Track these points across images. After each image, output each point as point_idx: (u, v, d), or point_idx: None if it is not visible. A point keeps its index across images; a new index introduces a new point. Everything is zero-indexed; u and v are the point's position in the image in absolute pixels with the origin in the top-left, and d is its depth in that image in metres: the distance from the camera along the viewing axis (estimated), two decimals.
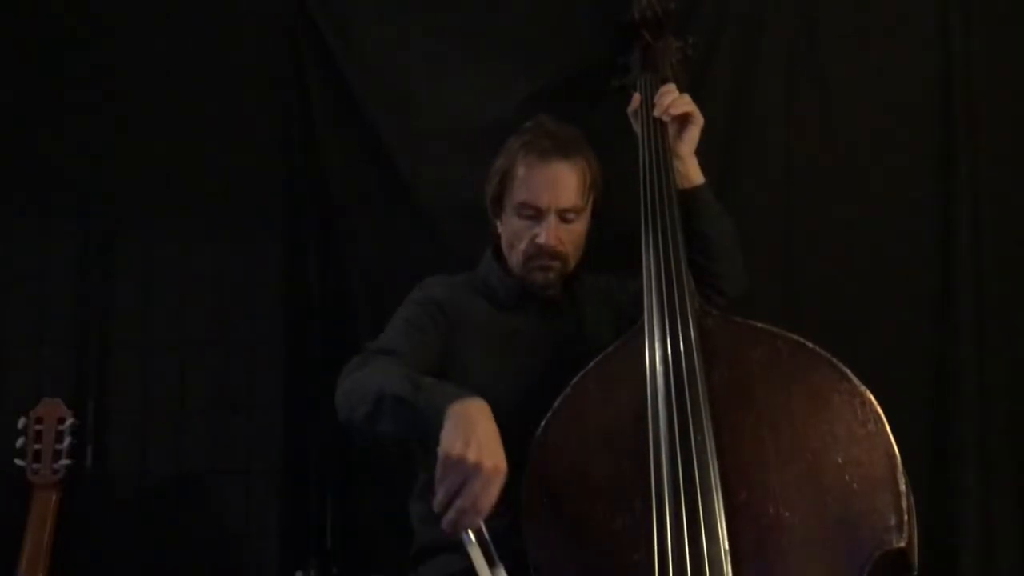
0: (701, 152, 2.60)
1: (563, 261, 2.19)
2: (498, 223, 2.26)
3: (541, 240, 2.15)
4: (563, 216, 2.16)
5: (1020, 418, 2.52)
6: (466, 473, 1.67)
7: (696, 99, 2.60)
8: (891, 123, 2.62)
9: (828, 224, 2.61)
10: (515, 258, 2.21)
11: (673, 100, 2.21)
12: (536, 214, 2.16)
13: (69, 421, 2.38)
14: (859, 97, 2.62)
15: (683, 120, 2.23)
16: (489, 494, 1.68)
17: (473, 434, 1.69)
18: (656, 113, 2.21)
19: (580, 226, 2.21)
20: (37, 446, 2.35)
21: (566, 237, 2.18)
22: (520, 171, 2.17)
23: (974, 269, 2.53)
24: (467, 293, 2.24)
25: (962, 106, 2.57)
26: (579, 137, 2.22)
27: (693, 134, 2.24)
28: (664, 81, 2.33)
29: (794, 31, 2.64)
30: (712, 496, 1.74)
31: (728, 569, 1.69)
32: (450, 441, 1.69)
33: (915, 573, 1.73)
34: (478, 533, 1.71)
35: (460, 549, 1.96)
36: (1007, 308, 2.54)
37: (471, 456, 1.67)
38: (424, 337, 2.12)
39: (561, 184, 2.16)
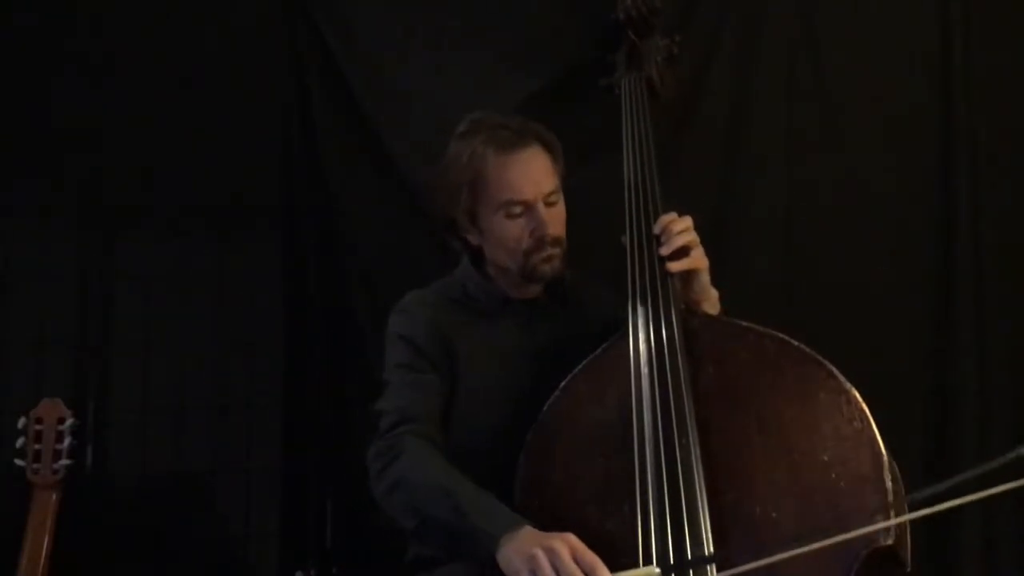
0: (701, 153, 2.62)
1: (561, 245, 2.13)
2: (474, 235, 2.16)
3: (541, 231, 2.08)
4: (547, 200, 2.10)
5: (1020, 419, 2.52)
6: (557, 569, 1.66)
7: (696, 99, 2.61)
8: (891, 124, 2.61)
9: (828, 226, 2.61)
10: (513, 260, 2.13)
11: (672, 248, 2.02)
12: (524, 208, 2.09)
13: (69, 421, 2.38)
14: (859, 98, 2.61)
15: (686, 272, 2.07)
16: (584, 554, 1.68)
17: (527, 550, 1.68)
18: (663, 252, 2.04)
19: (561, 204, 2.14)
20: (37, 446, 2.35)
21: (557, 220, 2.12)
22: (493, 172, 2.08)
23: (974, 269, 2.54)
24: (449, 311, 2.17)
25: (962, 106, 2.57)
26: (526, 119, 2.16)
27: (702, 280, 2.08)
28: (649, 80, 2.32)
29: (794, 31, 2.64)
30: (696, 499, 1.73)
31: (713, 571, 1.68)
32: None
33: (908, 570, 1.73)
34: None
35: (456, 561, 1.96)
36: (1007, 310, 2.54)
37: (542, 559, 1.65)
38: (425, 379, 2.07)
39: (537, 170, 2.10)
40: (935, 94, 2.60)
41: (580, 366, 1.98)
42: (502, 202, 2.09)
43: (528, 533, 1.73)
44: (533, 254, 2.11)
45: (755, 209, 2.63)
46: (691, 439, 1.79)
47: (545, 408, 1.96)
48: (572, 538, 1.68)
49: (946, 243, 2.56)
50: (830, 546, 1.65)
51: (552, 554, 1.65)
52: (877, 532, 1.66)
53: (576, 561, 1.65)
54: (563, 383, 1.98)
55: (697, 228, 2.06)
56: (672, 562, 1.69)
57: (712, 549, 1.70)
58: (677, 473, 1.76)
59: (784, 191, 2.63)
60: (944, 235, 2.56)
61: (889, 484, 1.70)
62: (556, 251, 2.11)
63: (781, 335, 1.87)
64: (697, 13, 2.66)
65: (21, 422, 2.37)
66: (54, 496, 2.33)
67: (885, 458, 1.72)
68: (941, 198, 2.57)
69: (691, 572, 1.68)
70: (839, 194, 2.60)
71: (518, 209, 2.09)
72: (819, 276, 2.60)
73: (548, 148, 2.13)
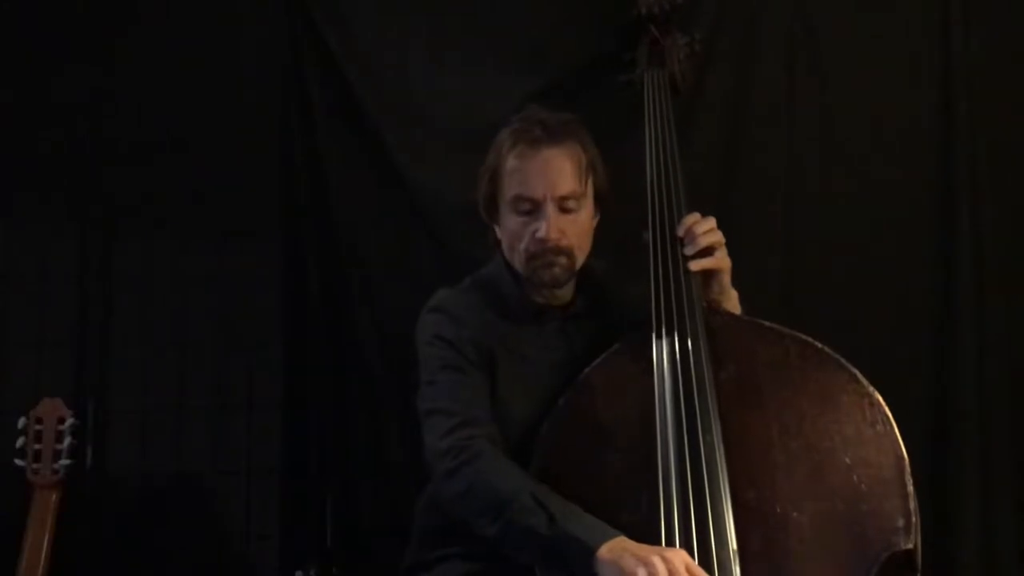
0: (702, 153, 2.62)
1: (568, 255, 2.04)
2: (496, 227, 2.12)
3: (542, 234, 2.00)
4: (563, 206, 2.01)
5: (1020, 418, 2.52)
6: None
7: (696, 99, 2.61)
8: (891, 122, 2.61)
9: (828, 223, 2.61)
10: (517, 258, 2.06)
11: (697, 248, 2.02)
12: (533, 207, 2.01)
13: (69, 421, 2.38)
14: (859, 97, 2.61)
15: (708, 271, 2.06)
16: (697, 571, 1.67)
17: (643, 556, 1.66)
18: (688, 252, 2.03)
19: (584, 216, 2.05)
20: (37, 446, 2.35)
21: (569, 229, 2.03)
22: (511, 164, 2.03)
23: (974, 268, 2.54)
24: (486, 314, 2.09)
25: (962, 105, 2.57)
26: (571, 121, 2.08)
27: (723, 280, 2.07)
28: (672, 77, 2.32)
29: (794, 31, 2.64)
30: (720, 497, 1.74)
31: (736, 570, 1.69)
32: None
33: (919, 574, 1.73)
34: None
35: (454, 561, 1.97)
36: (1007, 308, 2.54)
37: (660, 568, 1.64)
38: (476, 382, 2.01)
39: (555, 170, 2.01)
40: (935, 94, 2.60)
41: (598, 360, 1.98)
42: (513, 195, 2.04)
43: (630, 542, 1.71)
44: (533, 258, 2.04)
45: (755, 209, 2.63)
46: (715, 436, 1.79)
47: (561, 401, 1.96)
48: (687, 556, 1.68)
49: (946, 242, 2.56)
50: (851, 548, 1.65)
51: (670, 564, 1.64)
52: (898, 536, 1.66)
53: None
54: (580, 376, 1.97)
55: None
56: (696, 559, 1.69)
57: (736, 547, 1.70)
58: (701, 470, 1.76)
59: (784, 191, 2.62)
60: (944, 234, 2.56)
61: (910, 488, 1.70)
62: (559, 259, 2.04)
63: (804, 336, 1.88)
64: (697, 13, 2.65)
65: (21, 422, 2.37)
66: (54, 496, 2.33)
67: (907, 461, 1.72)
68: (941, 197, 2.58)
69: (715, 570, 1.69)
70: (839, 194, 2.60)
71: (526, 206, 2.03)
72: (819, 276, 2.61)
73: (578, 154, 2.05)
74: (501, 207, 2.08)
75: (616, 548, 1.70)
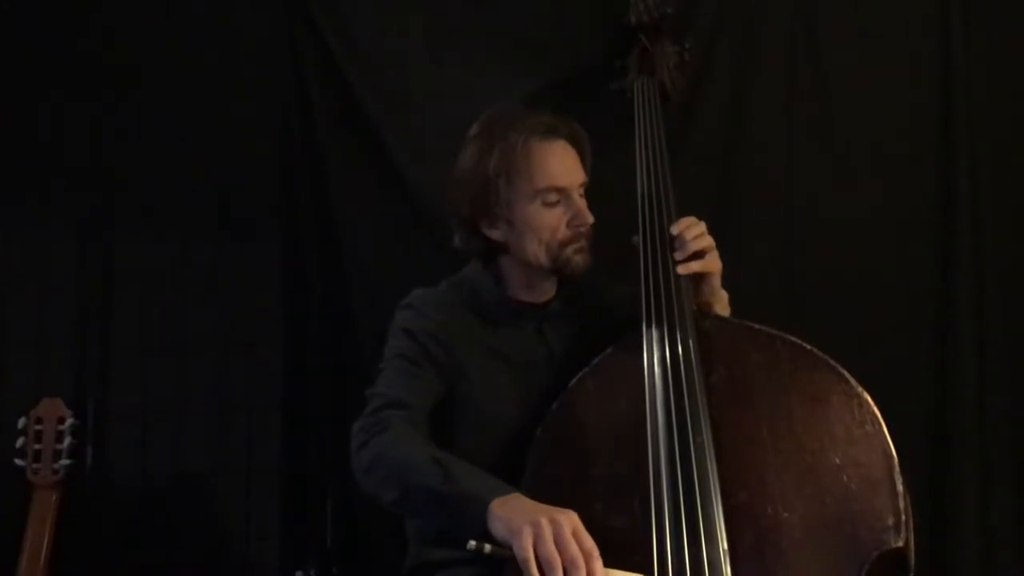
0: (701, 154, 2.62)
1: (590, 240, 2.10)
2: (499, 230, 2.10)
3: (579, 220, 2.06)
4: (580, 192, 2.09)
5: (1020, 418, 2.52)
6: (557, 543, 1.62)
7: (696, 100, 2.61)
8: (891, 122, 2.61)
9: (828, 224, 2.61)
10: (546, 251, 2.07)
11: (687, 253, 2.03)
12: (561, 196, 2.06)
13: (69, 421, 2.39)
14: (859, 97, 2.61)
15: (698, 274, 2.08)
16: (584, 537, 1.65)
17: (531, 515, 1.65)
18: (678, 257, 2.04)
19: (586, 201, 2.12)
20: (37, 446, 2.36)
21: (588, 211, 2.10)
22: (531, 158, 2.04)
23: (974, 268, 2.53)
24: (459, 312, 2.12)
25: (962, 105, 2.56)
26: (557, 113, 2.13)
27: (712, 283, 2.09)
28: (662, 84, 2.34)
29: (794, 31, 2.64)
30: (711, 498, 1.74)
31: (727, 570, 1.69)
32: (521, 538, 1.62)
33: (912, 574, 1.74)
34: None
35: (456, 568, 1.95)
36: (1007, 308, 2.54)
37: (546, 529, 1.62)
38: (423, 374, 2.03)
39: (573, 158, 2.10)
40: (935, 94, 2.59)
41: (591, 364, 1.99)
42: (539, 189, 2.05)
43: (526, 500, 1.71)
44: (569, 244, 2.07)
45: (755, 209, 2.63)
46: (705, 438, 1.80)
47: (554, 405, 1.97)
48: (576, 518, 1.66)
49: (946, 242, 2.56)
50: (842, 547, 1.66)
51: (557, 526, 1.63)
52: (889, 534, 1.67)
53: (577, 542, 1.63)
54: (573, 381, 1.98)
55: None
56: (687, 559, 1.70)
57: (726, 547, 1.71)
58: (692, 472, 1.77)
59: (784, 189, 2.62)
60: (944, 234, 2.56)
61: (901, 487, 1.71)
62: (587, 244, 2.09)
63: (793, 338, 1.89)
64: (697, 13, 2.65)
65: (21, 422, 2.38)
66: (54, 496, 2.34)
67: (896, 461, 1.73)
68: (941, 197, 2.57)
69: (706, 571, 1.69)
70: (839, 194, 2.60)
71: (554, 197, 2.06)
72: (819, 276, 2.60)
73: (578, 142, 2.12)
74: (518, 204, 2.06)
75: (509, 503, 1.69)
